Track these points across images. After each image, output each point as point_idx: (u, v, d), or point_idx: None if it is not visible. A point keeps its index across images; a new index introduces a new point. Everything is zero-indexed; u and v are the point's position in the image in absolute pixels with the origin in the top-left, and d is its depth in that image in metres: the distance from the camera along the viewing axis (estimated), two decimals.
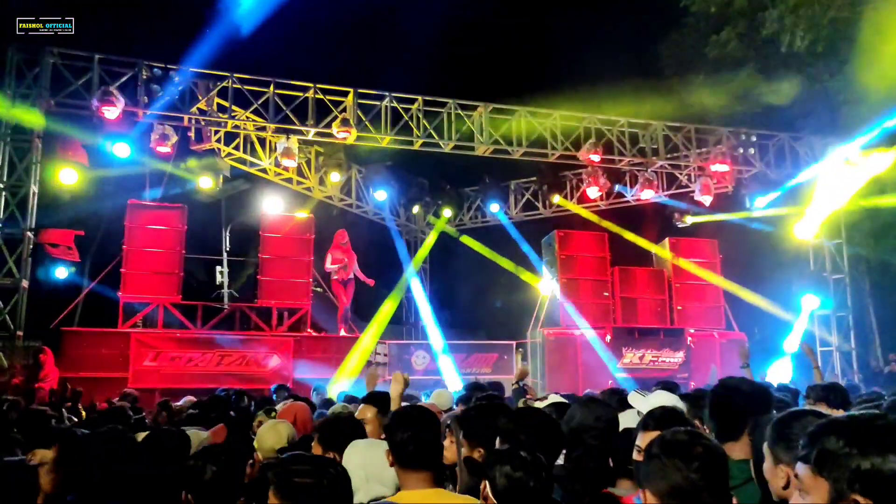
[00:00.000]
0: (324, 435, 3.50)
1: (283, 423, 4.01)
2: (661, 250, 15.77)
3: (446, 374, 13.79)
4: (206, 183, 12.78)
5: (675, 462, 1.89)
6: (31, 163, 11.32)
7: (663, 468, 1.91)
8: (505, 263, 16.84)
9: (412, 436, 2.70)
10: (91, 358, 11.28)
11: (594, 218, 16.47)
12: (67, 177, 11.29)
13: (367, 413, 3.98)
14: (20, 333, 10.99)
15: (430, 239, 17.58)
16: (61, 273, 11.44)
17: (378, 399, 4.14)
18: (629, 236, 16.10)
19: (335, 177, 14.42)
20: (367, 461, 2.95)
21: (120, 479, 2.87)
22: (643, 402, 3.41)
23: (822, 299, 15.09)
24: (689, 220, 16.31)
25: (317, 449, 3.46)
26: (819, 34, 15.14)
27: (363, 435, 3.52)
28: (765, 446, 2.28)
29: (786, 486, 2.08)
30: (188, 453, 3.55)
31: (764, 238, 16.38)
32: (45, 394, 8.90)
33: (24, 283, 11.10)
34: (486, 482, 2.44)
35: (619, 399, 4.85)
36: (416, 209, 17.29)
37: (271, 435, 3.87)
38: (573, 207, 16.86)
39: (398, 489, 2.81)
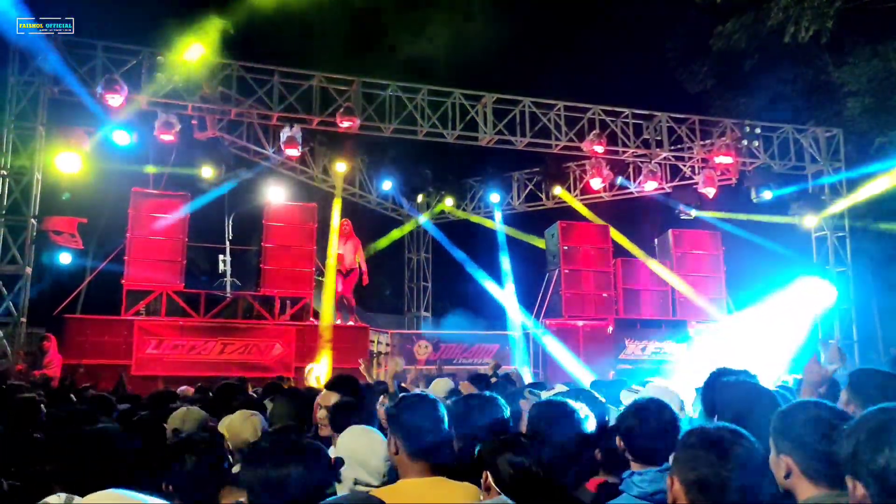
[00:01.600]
0: None
1: (257, 416, 4.07)
2: (641, 253, 15.69)
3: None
4: (207, 173, 12.79)
5: (711, 457, 1.89)
6: (34, 150, 11.33)
7: (696, 459, 1.91)
8: (539, 243, 16.67)
9: (418, 424, 2.72)
10: (94, 345, 11.31)
11: (588, 213, 16.41)
12: (66, 163, 11.29)
13: (330, 399, 4.06)
14: (23, 320, 11.04)
15: (426, 217, 17.64)
16: (65, 259, 11.47)
17: (341, 384, 4.19)
18: (621, 239, 15.90)
19: (340, 167, 14.40)
20: (355, 446, 2.99)
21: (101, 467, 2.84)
22: (631, 397, 3.42)
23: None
24: (694, 213, 16.22)
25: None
26: (824, 25, 15.03)
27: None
28: (770, 439, 2.29)
29: (787, 476, 2.10)
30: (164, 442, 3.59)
31: (767, 230, 16.35)
32: (48, 380, 8.94)
33: (28, 270, 11.15)
34: (487, 473, 2.44)
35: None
36: (419, 199, 17.29)
37: (248, 427, 3.91)
38: (571, 201, 16.81)
39: (383, 479, 2.87)
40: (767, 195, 15.15)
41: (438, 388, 5.48)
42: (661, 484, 2.52)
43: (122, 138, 11.48)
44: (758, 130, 15.18)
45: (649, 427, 2.77)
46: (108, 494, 2.00)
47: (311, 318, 13.22)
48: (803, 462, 2.08)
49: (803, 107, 17.81)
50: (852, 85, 16.80)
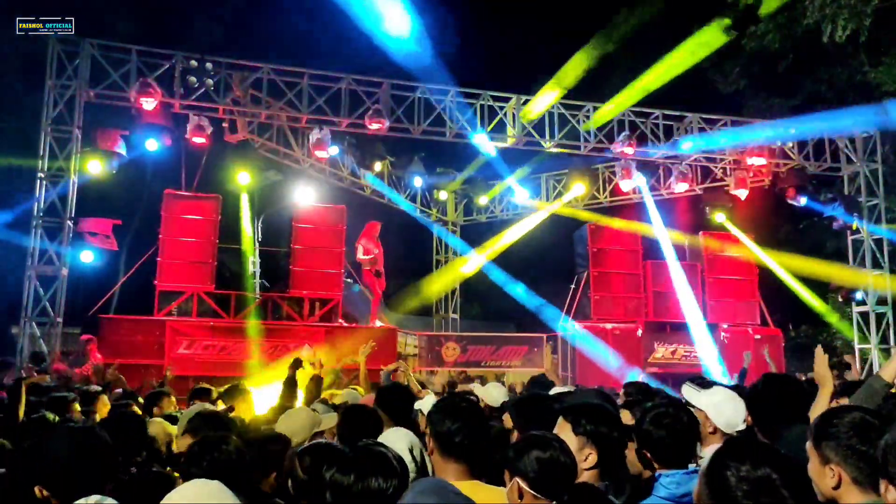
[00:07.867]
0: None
1: (307, 409, 4.09)
2: None
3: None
4: (244, 179, 12.91)
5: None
6: (70, 153, 11.55)
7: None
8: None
9: (460, 427, 2.70)
10: (128, 345, 11.48)
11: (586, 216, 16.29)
12: (96, 167, 11.50)
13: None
14: (60, 320, 11.25)
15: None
16: (96, 259, 11.63)
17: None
18: None
19: (375, 167, 14.45)
20: None
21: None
22: (697, 396, 3.35)
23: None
24: (719, 217, 15.63)
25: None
26: (861, 24, 14.69)
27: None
28: (808, 445, 2.22)
29: (837, 486, 2.03)
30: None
31: (802, 231, 16.07)
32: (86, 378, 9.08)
33: (64, 271, 11.36)
34: (517, 479, 2.38)
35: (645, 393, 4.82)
36: (444, 197, 17.28)
37: (307, 421, 3.91)
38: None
39: None
40: (802, 197, 14.83)
41: (493, 396, 5.06)
42: (689, 487, 2.50)
43: (151, 145, 11.66)
44: (792, 131, 14.89)
45: (672, 430, 2.78)
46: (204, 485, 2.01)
47: (340, 320, 13.29)
48: (853, 470, 2.02)
49: (839, 107, 17.44)
50: (889, 85, 16.43)
